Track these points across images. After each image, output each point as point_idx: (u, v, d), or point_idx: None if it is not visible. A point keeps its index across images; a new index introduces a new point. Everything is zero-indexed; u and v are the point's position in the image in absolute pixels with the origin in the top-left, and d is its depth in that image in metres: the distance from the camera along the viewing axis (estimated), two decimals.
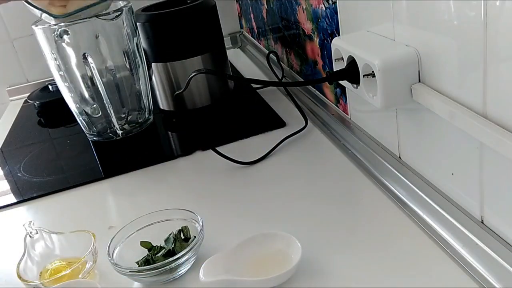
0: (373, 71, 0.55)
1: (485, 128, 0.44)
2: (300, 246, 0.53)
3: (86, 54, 0.85)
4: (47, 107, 1.17)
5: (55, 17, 0.80)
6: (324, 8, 0.76)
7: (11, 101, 1.37)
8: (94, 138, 0.94)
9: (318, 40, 0.83)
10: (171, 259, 0.54)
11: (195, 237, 0.58)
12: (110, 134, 0.92)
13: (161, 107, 1.01)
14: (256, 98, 1.02)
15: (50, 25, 0.82)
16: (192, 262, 0.57)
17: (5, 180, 0.88)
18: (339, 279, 0.52)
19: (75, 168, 0.89)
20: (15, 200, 0.80)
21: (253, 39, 1.35)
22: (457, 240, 0.52)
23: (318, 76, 0.88)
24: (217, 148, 0.80)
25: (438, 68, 0.51)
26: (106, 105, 0.88)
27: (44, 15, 0.81)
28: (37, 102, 1.18)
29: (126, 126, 0.93)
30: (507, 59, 0.41)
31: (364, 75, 0.58)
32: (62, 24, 0.82)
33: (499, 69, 0.42)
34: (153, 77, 0.97)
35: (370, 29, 0.63)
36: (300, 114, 0.88)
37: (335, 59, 0.65)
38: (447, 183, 0.56)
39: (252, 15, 1.28)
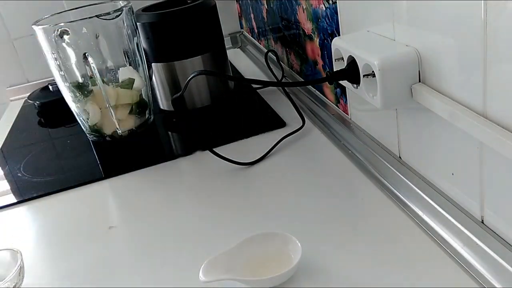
0: (373, 71, 0.55)
1: (485, 128, 0.44)
2: (300, 246, 0.53)
3: (86, 54, 0.85)
4: (47, 107, 1.17)
5: None
6: (324, 8, 0.76)
7: (11, 101, 1.37)
8: (94, 138, 0.94)
9: (318, 40, 0.83)
10: None
11: None
12: (110, 134, 0.92)
13: (161, 107, 1.01)
14: (256, 98, 1.02)
15: (50, 25, 0.82)
16: None
17: (5, 180, 0.88)
18: (339, 279, 0.52)
19: (75, 168, 0.89)
20: (15, 200, 0.80)
21: (253, 39, 1.35)
22: (457, 240, 0.52)
23: (318, 76, 0.88)
24: (217, 148, 0.80)
25: (438, 68, 0.51)
26: (106, 104, 0.88)
27: None
28: (37, 102, 1.18)
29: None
30: (507, 59, 0.41)
31: (364, 75, 0.58)
32: (62, 24, 0.82)
33: (499, 69, 0.42)
34: (153, 77, 0.97)
35: (370, 29, 0.63)
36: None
37: (335, 59, 0.65)
38: (447, 183, 0.56)
39: (252, 15, 1.28)
